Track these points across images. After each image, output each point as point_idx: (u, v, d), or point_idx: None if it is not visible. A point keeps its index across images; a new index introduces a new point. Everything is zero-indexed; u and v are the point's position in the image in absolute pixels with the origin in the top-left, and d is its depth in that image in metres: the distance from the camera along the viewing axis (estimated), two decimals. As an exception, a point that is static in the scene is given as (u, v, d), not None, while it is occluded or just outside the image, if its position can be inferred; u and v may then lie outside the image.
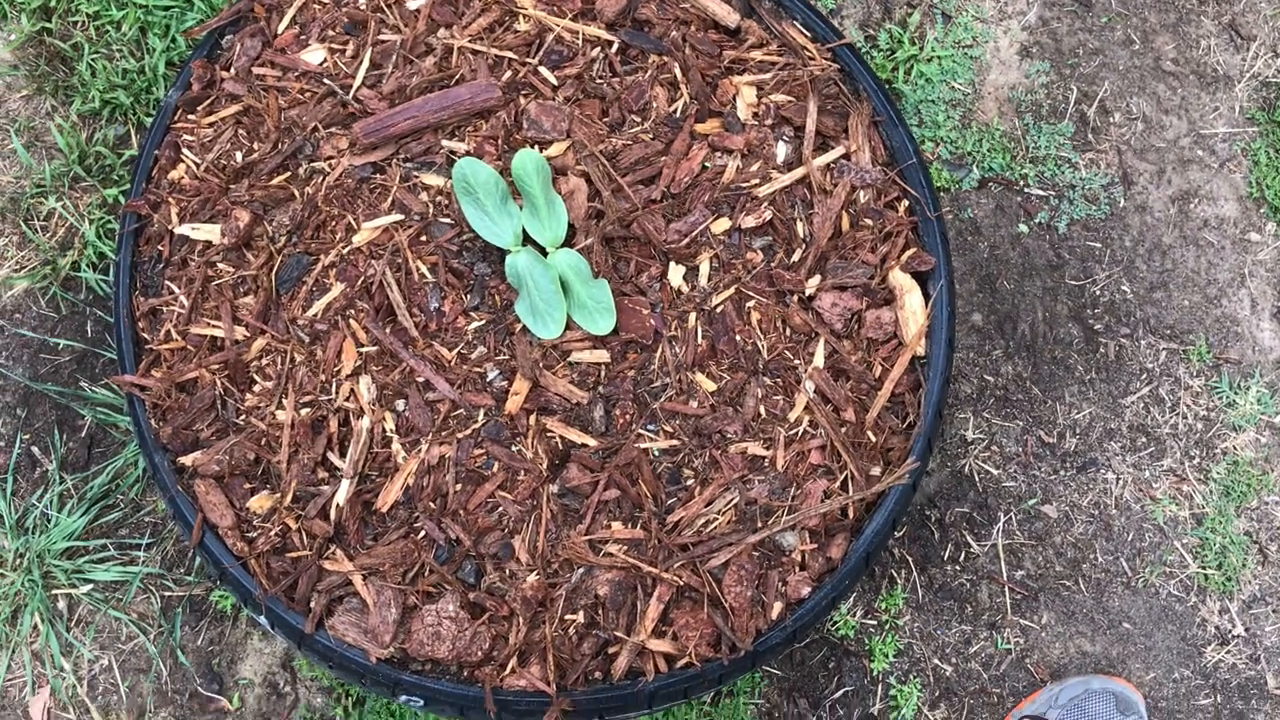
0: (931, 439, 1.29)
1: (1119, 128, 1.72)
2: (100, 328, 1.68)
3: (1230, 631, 1.54)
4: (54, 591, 1.57)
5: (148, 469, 1.36)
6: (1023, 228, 1.69)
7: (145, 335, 1.30)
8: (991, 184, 1.71)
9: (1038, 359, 1.66)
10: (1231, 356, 1.63)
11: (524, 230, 1.27)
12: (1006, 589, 1.57)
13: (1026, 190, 1.70)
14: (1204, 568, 1.56)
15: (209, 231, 1.31)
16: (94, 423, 1.64)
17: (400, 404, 1.25)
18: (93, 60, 1.74)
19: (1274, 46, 1.73)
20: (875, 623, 1.55)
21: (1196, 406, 1.62)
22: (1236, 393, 1.62)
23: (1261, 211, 1.67)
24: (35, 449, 1.63)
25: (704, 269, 1.29)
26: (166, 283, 1.31)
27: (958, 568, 1.59)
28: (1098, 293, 1.67)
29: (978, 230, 1.70)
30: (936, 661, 1.54)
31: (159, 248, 1.32)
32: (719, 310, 1.28)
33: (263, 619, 1.24)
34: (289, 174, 1.33)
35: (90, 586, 1.57)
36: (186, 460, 1.25)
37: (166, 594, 1.59)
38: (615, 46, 1.36)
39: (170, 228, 1.32)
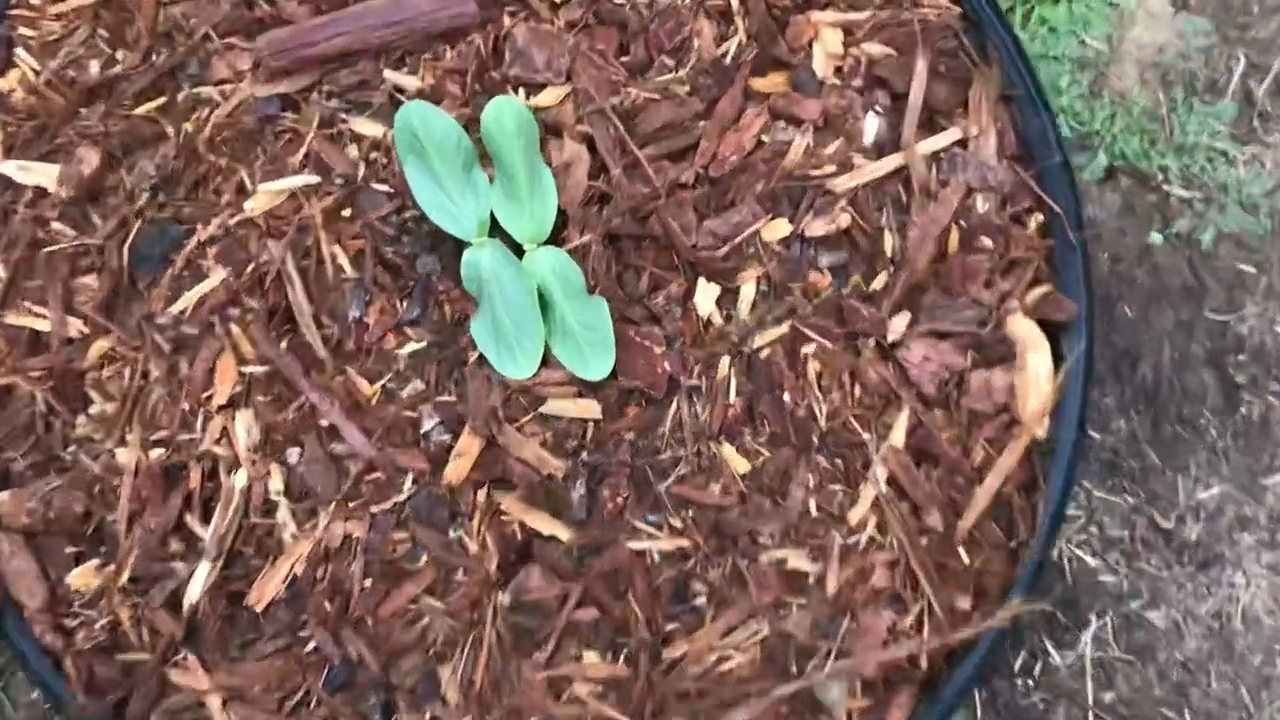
0: (1045, 563, 0.92)
1: (1297, 117, 1.31)
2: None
3: (1372, 794, 1.19)
4: None
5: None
6: (1156, 237, 1.30)
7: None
8: (1121, 175, 1.32)
9: (1159, 414, 1.28)
10: None
11: (492, 214, 0.88)
12: (1091, 715, 1.22)
13: (1166, 188, 1.31)
14: (1349, 709, 1.21)
15: (43, 174, 0.92)
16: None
17: (293, 455, 0.87)
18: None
19: None
20: (916, 739, 1.20)
21: (1361, 498, 1.25)
22: None
23: None
24: None
25: (747, 293, 0.90)
26: (-27, 243, 0.92)
27: (1031, 682, 1.23)
28: (1245, 333, 1.29)
29: (1098, 235, 1.30)
30: (991, 798, 1.20)
31: (-35, 189, 0.93)
32: (763, 355, 0.89)
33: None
34: (163, 100, 0.93)
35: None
36: (-18, 507, 0.88)
37: None
38: (648, -49, 0.95)
39: (-13, 163, 0.93)
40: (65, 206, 0.91)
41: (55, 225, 0.91)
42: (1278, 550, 1.26)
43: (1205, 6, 1.35)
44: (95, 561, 0.88)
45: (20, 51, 0.95)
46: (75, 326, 0.89)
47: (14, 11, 0.96)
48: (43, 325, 0.89)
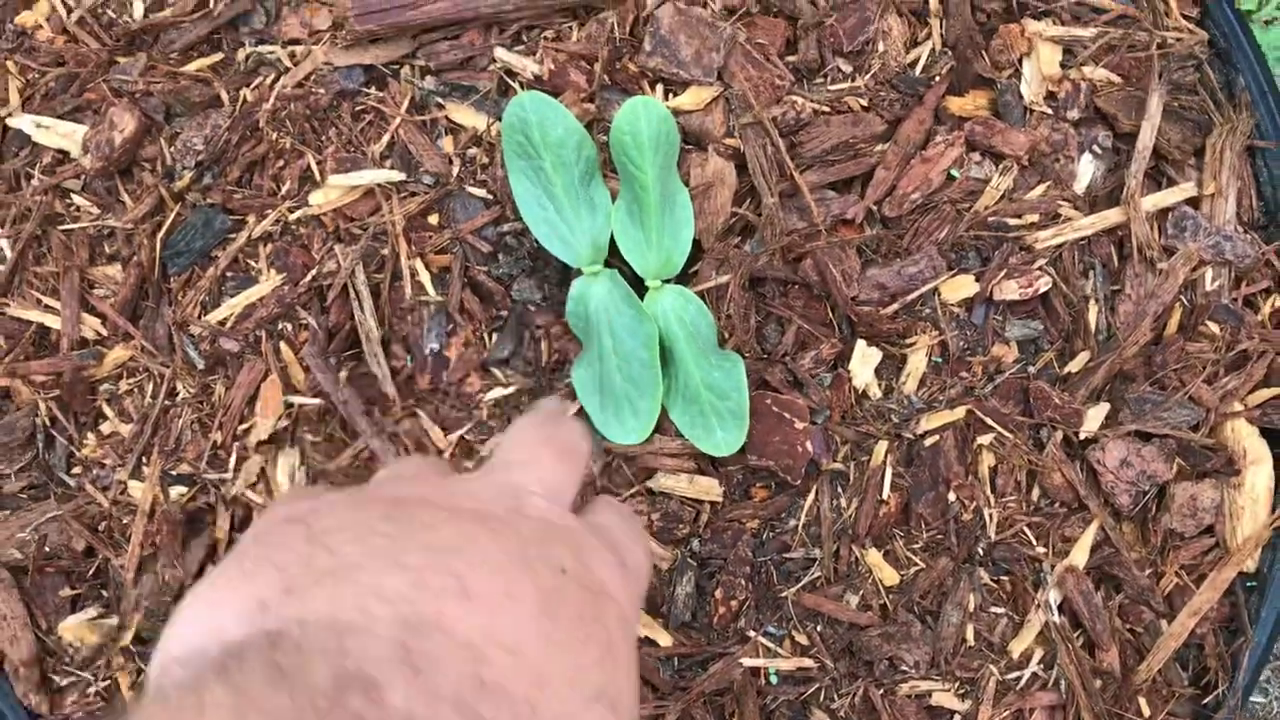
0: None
1: None
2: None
3: None
4: None
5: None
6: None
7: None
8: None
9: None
10: None
11: (612, 240, 0.72)
12: None
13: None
14: None
15: (66, 135, 0.75)
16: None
17: (344, 512, 0.72)
18: None
19: None
20: None
21: None
22: None
23: None
24: None
25: (916, 363, 0.73)
26: (-22, 210, 0.76)
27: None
28: None
29: None
30: None
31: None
32: (929, 443, 0.73)
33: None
34: (219, 58, 0.76)
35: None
36: (-35, 533, 0.73)
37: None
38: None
39: (1, 114, 0.76)
40: (90, 178, 0.74)
41: (77, 199, 0.75)
42: None
43: None
44: (94, 611, 0.73)
45: (53, -22, 0.79)
46: (92, 326, 0.74)
47: (49, -74, 0.80)
48: (53, 321, 0.73)
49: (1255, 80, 0.78)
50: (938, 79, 0.75)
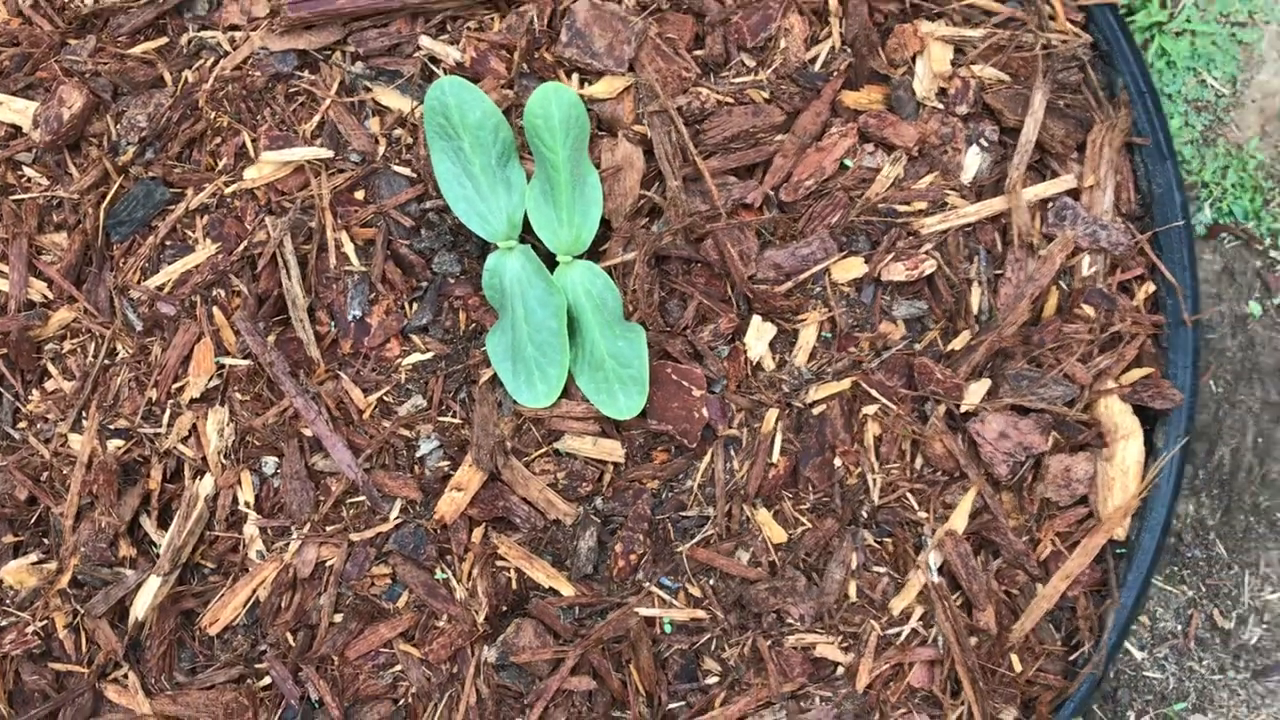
0: (1103, 680, 0.81)
1: None
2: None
3: None
4: None
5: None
6: (1254, 308, 1.18)
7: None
8: (1225, 235, 1.20)
9: (1233, 502, 1.17)
10: None
11: (526, 217, 0.77)
12: (1116, 820, 1.12)
13: (1272, 255, 1.19)
14: None
15: (19, 111, 0.81)
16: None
17: (269, 465, 0.78)
18: None
19: None
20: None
21: None
22: None
23: None
24: None
25: (807, 337, 0.79)
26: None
27: (1056, 777, 1.13)
28: (1341, 424, 1.18)
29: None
30: None
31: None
32: (817, 411, 0.79)
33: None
34: (163, 41, 0.82)
35: None
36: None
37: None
38: (738, -69, 0.83)
39: (-41, 90, 0.82)
40: (40, 152, 0.80)
41: (28, 171, 0.81)
42: (1346, 667, 1.15)
43: (1342, 54, 1.22)
44: (34, 556, 0.78)
45: (10, -37, 0.84)
46: (38, 290, 0.80)
47: (9, -84, 0.85)
48: (1, 284, 0.79)
49: (1134, 81, 0.83)
50: (835, 74, 0.81)
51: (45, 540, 0.79)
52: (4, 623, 0.78)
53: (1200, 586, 1.18)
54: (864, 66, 0.82)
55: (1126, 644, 1.17)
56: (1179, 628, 1.16)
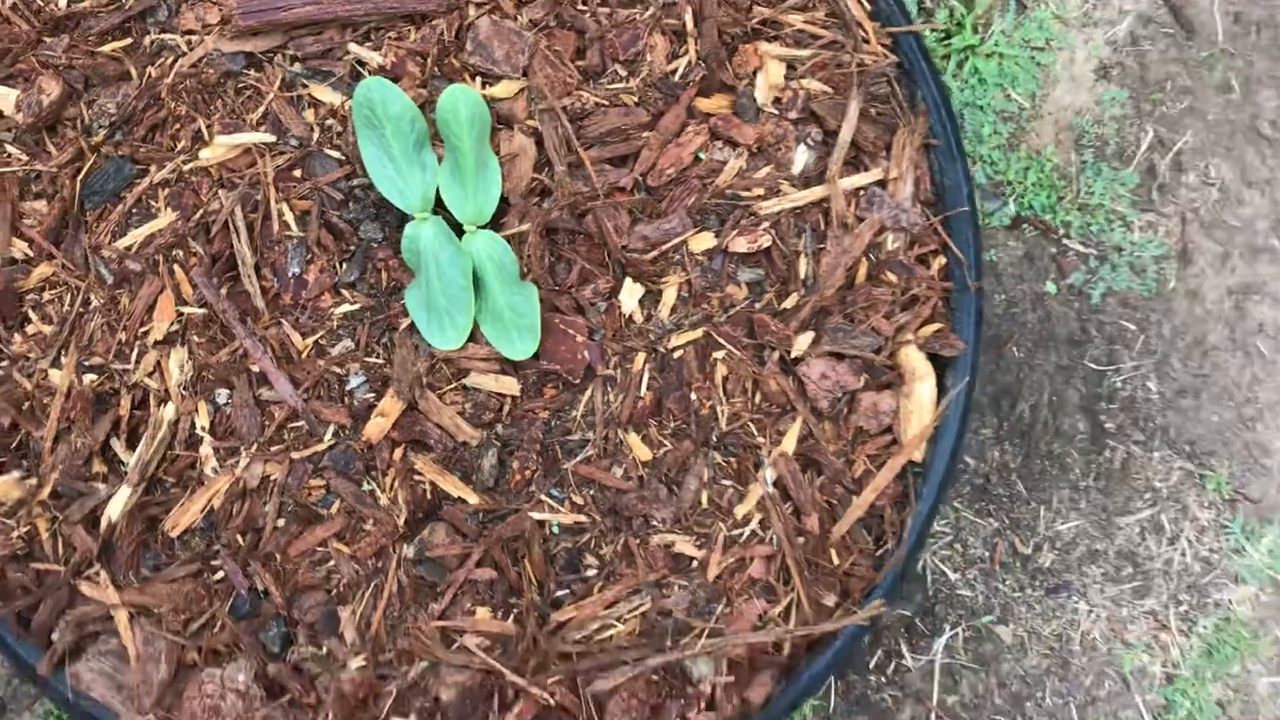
0: (906, 574, 1.02)
1: (1191, 190, 1.43)
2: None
3: (1172, 813, 1.33)
4: None
5: None
6: (1050, 287, 1.41)
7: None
8: (1026, 225, 1.42)
9: (1031, 450, 1.39)
10: (1252, 494, 1.39)
11: (438, 194, 0.94)
12: (934, 715, 1.33)
13: (1065, 243, 1.42)
14: (1162, 735, 1.34)
15: (1, 97, 0.95)
16: None
17: (222, 396, 0.93)
18: None
19: (1388, 133, 1.45)
20: (773, 724, 1.30)
21: (1199, 545, 1.39)
22: (1248, 538, 1.38)
23: (1327, 330, 1.41)
24: None
25: (669, 296, 0.98)
26: (-71, 154, 0.95)
27: (884, 679, 1.34)
28: (1119, 385, 1.41)
29: (998, 278, 1.41)
30: (834, 784, 1.31)
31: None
32: (677, 355, 0.97)
33: (-19, 642, 0.92)
34: (128, 42, 0.97)
35: None
36: (-93, 412, 0.92)
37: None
38: (613, -36, 1.01)
39: (-53, 78, 0.95)
40: (21, 132, 0.94)
41: (9, 149, 0.94)
42: (1120, 585, 1.38)
43: (1124, 79, 1.47)
44: (17, 474, 0.92)
45: (-9, -29, 0.98)
46: (20, 249, 0.93)
47: (-12, -69, 0.99)
48: (-12, 243, 0.93)
49: (931, 94, 1.04)
50: (691, 84, 1.00)
51: (24, 462, 0.93)
52: (-10, 530, 0.92)
53: (1004, 519, 1.40)
54: (714, 78, 1.01)
55: (943, 566, 1.38)
56: (986, 554, 1.38)
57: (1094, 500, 1.40)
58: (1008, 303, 1.42)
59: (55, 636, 0.91)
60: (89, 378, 0.92)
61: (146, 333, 0.92)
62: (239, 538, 0.92)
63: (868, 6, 1.05)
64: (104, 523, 0.91)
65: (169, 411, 0.92)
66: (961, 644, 1.36)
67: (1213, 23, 1.47)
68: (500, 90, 0.97)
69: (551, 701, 0.92)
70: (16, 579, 0.91)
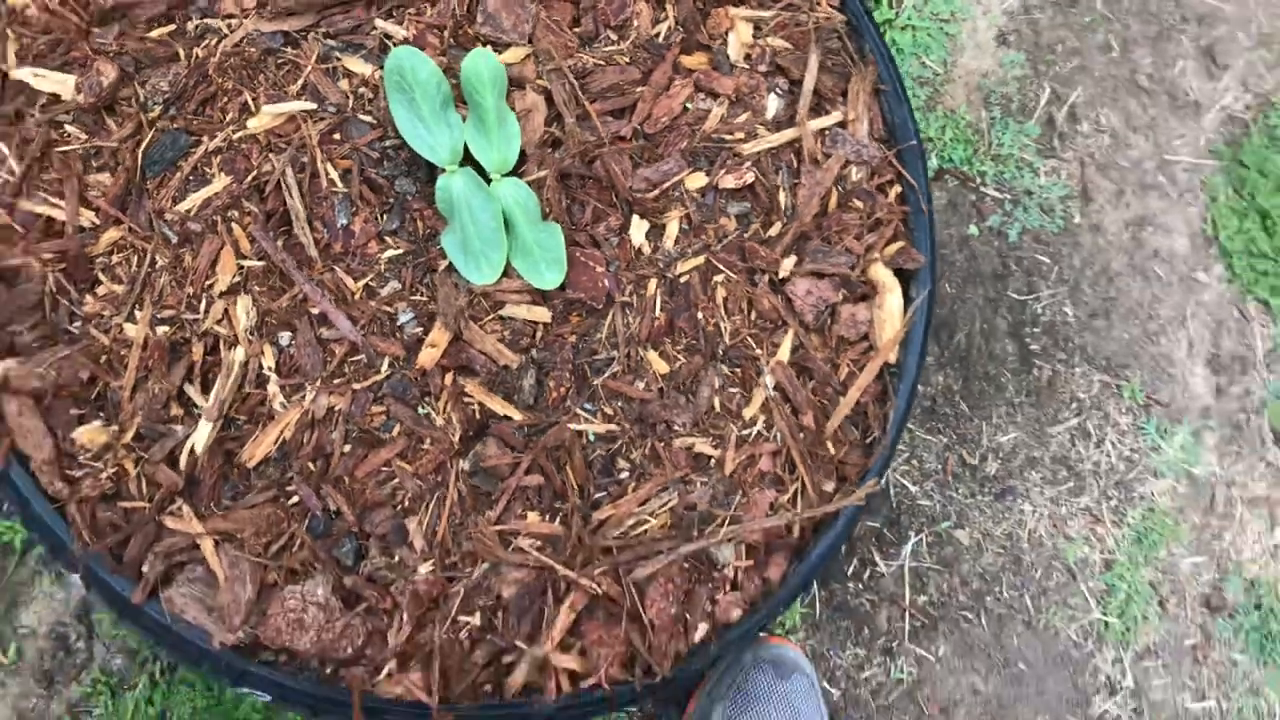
0: (891, 459, 1.17)
1: (1086, 138, 1.64)
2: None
3: (1120, 683, 1.50)
4: None
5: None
6: (973, 229, 1.59)
7: (-47, 201, 1.02)
8: (948, 176, 1.60)
9: (969, 373, 1.57)
10: (1162, 398, 1.59)
11: (465, 147, 1.06)
12: (907, 614, 1.48)
13: (982, 190, 1.60)
14: (1105, 615, 1.52)
15: (59, 83, 1.04)
16: None
17: (285, 337, 1.03)
18: None
19: (1245, 80, 1.68)
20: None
21: (1121, 446, 1.57)
22: (1162, 437, 1.58)
23: (1212, 251, 1.62)
24: None
25: (671, 229, 1.11)
26: (-9, 138, 1.03)
27: (861, 586, 1.49)
28: (1039, 311, 1.60)
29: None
30: (825, 685, 1.44)
31: (-15, 91, 1.04)
32: (683, 280, 1.11)
33: (76, 579, 1.00)
34: (174, 28, 1.07)
35: None
36: (-5, 370, 0.99)
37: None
38: (596, -55, 1.15)
39: (4, 68, 1.04)
40: (79, 112, 1.03)
41: (69, 129, 1.03)
42: (1058, 486, 1.56)
43: (1021, 44, 1.66)
44: (100, 422, 1.01)
45: (34, -28, 1.07)
46: (88, 218, 1.02)
47: (27, -65, 1.08)
48: (58, 214, 1.01)
49: (876, 47, 1.21)
50: (674, 45, 1.14)
51: (102, 412, 1.02)
52: (79, 474, 1.00)
53: (952, 435, 1.57)
54: (693, 39, 1.16)
55: (904, 480, 1.54)
56: (939, 467, 1.55)
57: (1028, 414, 1.57)
58: (937, 245, 1.59)
59: (145, 568, 1.00)
60: (161, 329, 1.01)
61: (211, 285, 1.02)
62: (310, 464, 1.02)
63: (817, -26, 1.21)
64: (185, 460, 1.00)
65: (239, 354, 1.01)
66: (926, 549, 1.52)
67: (1090, -7, 1.68)
68: (510, 55, 1.10)
69: (599, 590, 1.04)
70: (106, 517, 0.99)
